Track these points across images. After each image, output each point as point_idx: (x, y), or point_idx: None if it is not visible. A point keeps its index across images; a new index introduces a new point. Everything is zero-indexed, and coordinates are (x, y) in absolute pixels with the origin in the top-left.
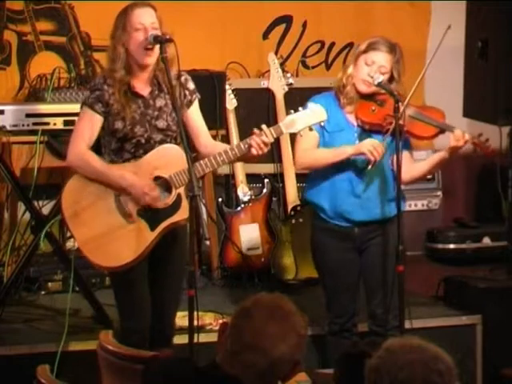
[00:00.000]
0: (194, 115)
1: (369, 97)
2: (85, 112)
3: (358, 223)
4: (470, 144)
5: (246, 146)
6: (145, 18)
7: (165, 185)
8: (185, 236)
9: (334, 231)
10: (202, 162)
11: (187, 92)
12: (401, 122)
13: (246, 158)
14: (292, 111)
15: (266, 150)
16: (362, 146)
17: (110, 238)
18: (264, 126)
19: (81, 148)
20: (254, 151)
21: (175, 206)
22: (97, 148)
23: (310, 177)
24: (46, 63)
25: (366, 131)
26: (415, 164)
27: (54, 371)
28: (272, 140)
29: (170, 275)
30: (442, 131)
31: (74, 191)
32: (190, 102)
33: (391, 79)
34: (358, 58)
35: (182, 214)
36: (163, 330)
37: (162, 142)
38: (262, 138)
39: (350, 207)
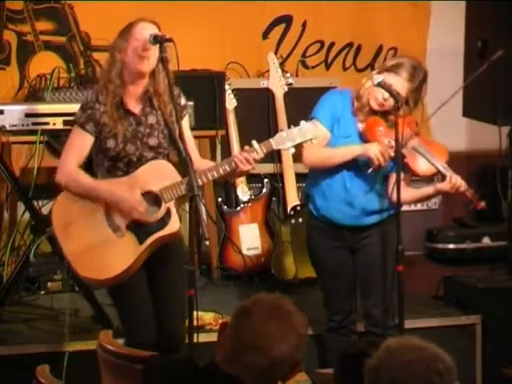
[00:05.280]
0: (184, 131)
1: (382, 114)
2: (76, 131)
3: (347, 227)
4: (461, 193)
5: (232, 164)
6: (146, 32)
7: (154, 199)
8: (180, 247)
9: (326, 229)
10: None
11: (178, 107)
12: (404, 151)
13: (235, 174)
14: (285, 127)
15: (251, 166)
16: (370, 149)
17: (98, 251)
18: (254, 142)
19: (70, 166)
20: (240, 166)
21: (164, 221)
22: (89, 166)
23: (310, 173)
24: (45, 63)
25: None
26: (408, 188)
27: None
28: (262, 155)
29: (170, 285)
30: (439, 173)
31: (65, 204)
32: (181, 118)
33: (406, 102)
34: (381, 73)
35: (171, 227)
36: (169, 340)
37: (153, 159)
38: (251, 154)
39: (340, 214)
